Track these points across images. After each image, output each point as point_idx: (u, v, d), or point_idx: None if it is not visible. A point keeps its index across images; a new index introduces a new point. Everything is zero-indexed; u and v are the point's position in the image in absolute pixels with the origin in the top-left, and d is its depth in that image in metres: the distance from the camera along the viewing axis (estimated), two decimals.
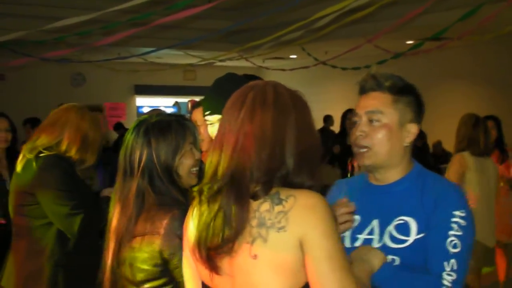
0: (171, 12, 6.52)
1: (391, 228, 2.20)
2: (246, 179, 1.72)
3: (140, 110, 17.44)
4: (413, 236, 2.16)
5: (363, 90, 2.32)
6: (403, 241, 2.16)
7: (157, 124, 2.47)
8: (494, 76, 12.40)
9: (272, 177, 1.72)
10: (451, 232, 2.11)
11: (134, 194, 2.39)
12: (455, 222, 2.13)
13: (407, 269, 2.12)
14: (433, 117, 5.54)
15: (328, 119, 12.41)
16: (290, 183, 1.74)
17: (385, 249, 2.16)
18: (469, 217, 2.15)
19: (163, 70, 14.07)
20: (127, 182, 2.44)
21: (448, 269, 2.09)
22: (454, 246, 2.11)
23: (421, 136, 7.00)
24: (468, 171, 5.35)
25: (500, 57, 12.50)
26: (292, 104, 1.79)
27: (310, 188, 1.76)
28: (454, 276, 2.08)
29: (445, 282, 2.08)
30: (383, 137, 2.23)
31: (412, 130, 2.27)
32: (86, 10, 7.15)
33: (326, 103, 17.52)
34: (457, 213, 2.14)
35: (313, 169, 1.79)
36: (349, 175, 6.07)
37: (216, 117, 2.85)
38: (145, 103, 17.56)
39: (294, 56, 14.79)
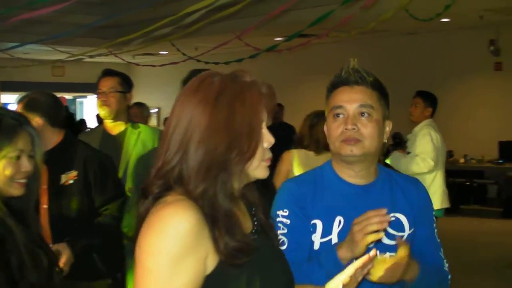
0: (37, 6, 6.38)
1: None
2: (150, 179, 1.61)
3: (7, 107, 16.89)
4: (407, 231, 2.23)
5: (346, 82, 2.25)
6: (399, 237, 2.16)
7: None
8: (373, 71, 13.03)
9: (168, 178, 1.59)
10: (434, 225, 2.31)
11: None
12: (433, 215, 2.34)
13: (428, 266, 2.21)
14: (301, 114, 5.69)
15: None
16: (186, 186, 1.57)
17: (380, 246, 2.11)
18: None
19: (31, 66, 13.77)
20: None
21: (443, 258, 2.31)
22: (437, 236, 2.32)
23: None
24: (294, 168, 5.29)
25: (367, 52, 13.20)
26: (214, 98, 1.58)
27: (203, 193, 1.56)
28: (446, 263, 2.31)
29: (446, 269, 2.31)
30: (373, 132, 2.19)
31: (388, 127, 2.29)
32: None
33: None
34: (432, 206, 2.37)
35: (218, 172, 1.57)
36: None
37: None
38: (12, 100, 17.08)
39: (165, 52, 14.92)
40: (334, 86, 2.27)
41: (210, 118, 1.56)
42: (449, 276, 2.31)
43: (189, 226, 1.49)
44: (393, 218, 2.14)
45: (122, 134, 4.42)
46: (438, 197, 6.11)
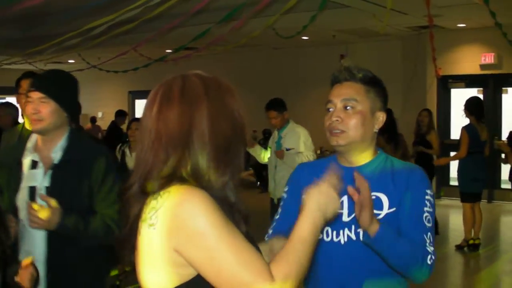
0: None
1: None
2: (149, 177, 1.61)
3: None
4: (385, 210, 2.27)
5: (337, 80, 2.38)
6: (376, 215, 2.19)
7: None
8: (245, 80, 14.52)
9: (173, 173, 1.59)
10: (425, 209, 2.26)
11: None
12: (428, 200, 2.28)
13: (401, 236, 2.21)
14: None
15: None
16: (200, 181, 1.59)
17: (357, 223, 2.16)
18: (433, 197, 2.34)
19: None
20: None
21: (428, 241, 2.23)
22: (428, 221, 2.26)
23: None
24: None
25: (241, 64, 15.35)
26: (203, 93, 1.63)
27: (223, 185, 1.62)
28: (432, 247, 2.23)
29: (429, 250, 2.22)
30: (357, 122, 2.28)
31: (381, 117, 2.36)
32: None
33: (99, 102, 19.33)
34: (428, 191, 2.29)
35: (230, 163, 1.63)
36: None
37: (37, 95, 2.91)
38: None
39: (72, 61, 15.94)
40: (331, 84, 2.40)
41: (208, 109, 1.61)
42: (431, 257, 2.21)
43: (213, 201, 1.54)
44: (373, 197, 2.17)
45: None
46: None
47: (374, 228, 2.10)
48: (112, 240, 2.82)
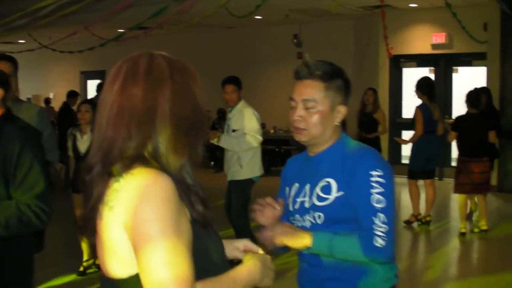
0: None
1: (317, 189, 2.42)
2: (112, 155, 1.58)
3: None
4: (334, 194, 2.38)
5: (298, 77, 2.47)
6: (326, 199, 2.38)
7: None
8: (198, 60, 14.69)
9: (138, 154, 1.57)
10: (373, 190, 2.30)
11: None
12: (375, 181, 2.31)
13: (339, 233, 2.33)
14: None
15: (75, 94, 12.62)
16: (158, 161, 1.58)
17: (313, 208, 2.40)
18: (387, 175, 2.35)
19: None
20: None
21: (378, 222, 2.28)
22: (378, 202, 2.29)
23: None
24: None
25: (194, 42, 15.28)
26: (169, 75, 1.63)
27: (181, 167, 1.61)
28: (386, 227, 2.28)
29: (378, 233, 2.27)
30: (317, 121, 2.41)
31: (342, 111, 2.46)
32: None
33: (51, 82, 19.00)
34: (374, 173, 2.32)
35: (189, 146, 1.62)
36: None
37: None
38: None
39: (22, 41, 15.59)
40: (294, 78, 2.51)
41: (172, 92, 1.60)
42: (383, 238, 2.28)
43: (173, 186, 1.53)
44: (325, 183, 2.40)
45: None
46: (259, 166, 6.63)
47: (307, 241, 2.33)
48: (35, 227, 2.79)
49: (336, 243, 2.30)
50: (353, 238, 2.30)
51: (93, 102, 6.37)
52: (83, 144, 6.13)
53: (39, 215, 2.75)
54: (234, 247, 1.97)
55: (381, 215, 2.29)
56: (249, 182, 6.50)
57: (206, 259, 1.62)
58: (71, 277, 6.24)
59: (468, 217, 8.47)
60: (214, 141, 6.49)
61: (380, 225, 2.28)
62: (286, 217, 2.53)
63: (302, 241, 2.33)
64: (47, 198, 2.80)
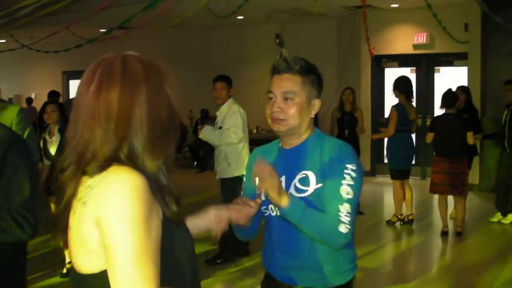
0: None
1: (295, 181, 2.54)
2: (87, 157, 1.58)
3: None
4: (313, 186, 2.51)
5: (277, 71, 2.57)
6: (305, 191, 2.52)
7: None
8: (181, 60, 14.49)
9: (113, 156, 1.57)
10: (344, 181, 2.45)
11: None
12: (348, 174, 2.47)
13: (312, 206, 2.45)
14: None
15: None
16: (134, 162, 1.59)
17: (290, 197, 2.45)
18: (358, 171, 2.51)
19: None
20: None
21: (343, 211, 2.43)
22: (347, 193, 2.44)
23: None
24: None
25: (175, 43, 15.33)
26: (144, 77, 1.63)
27: (157, 168, 1.63)
28: (349, 217, 2.44)
29: (343, 220, 2.43)
30: (296, 112, 2.53)
31: (317, 104, 2.62)
32: None
33: (32, 83, 18.87)
34: (349, 166, 2.48)
35: (164, 148, 1.65)
36: None
37: None
38: None
39: (3, 41, 15.51)
40: (271, 74, 2.61)
41: (147, 94, 1.60)
42: (346, 226, 2.41)
43: (147, 185, 1.54)
44: (303, 175, 2.54)
45: None
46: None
47: (284, 202, 2.39)
48: (16, 237, 2.62)
49: (308, 214, 2.41)
50: (323, 216, 2.43)
51: (59, 102, 6.36)
52: (53, 146, 6.04)
53: (22, 224, 2.64)
54: (206, 219, 2.22)
55: (347, 205, 2.44)
56: (237, 179, 6.54)
57: (170, 257, 1.63)
58: (55, 279, 6.22)
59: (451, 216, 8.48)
60: (201, 136, 6.68)
61: (345, 213, 2.43)
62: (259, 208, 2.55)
63: (281, 198, 2.38)
64: (32, 207, 2.67)
